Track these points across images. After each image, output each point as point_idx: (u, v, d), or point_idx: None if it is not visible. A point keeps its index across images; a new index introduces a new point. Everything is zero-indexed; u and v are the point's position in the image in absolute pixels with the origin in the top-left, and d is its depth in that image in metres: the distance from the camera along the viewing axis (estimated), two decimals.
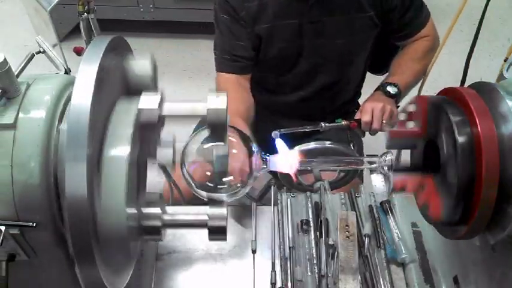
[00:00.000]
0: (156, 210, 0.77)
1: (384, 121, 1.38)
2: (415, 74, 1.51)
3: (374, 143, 1.58)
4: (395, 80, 1.49)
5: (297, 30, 1.39)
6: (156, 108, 0.74)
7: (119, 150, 0.69)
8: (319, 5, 1.36)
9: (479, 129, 0.77)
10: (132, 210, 0.72)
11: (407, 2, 1.43)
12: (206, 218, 0.78)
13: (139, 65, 0.82)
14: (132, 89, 0.80)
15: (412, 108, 0.96)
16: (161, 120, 0.77)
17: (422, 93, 1.56)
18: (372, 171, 1.38)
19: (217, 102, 0.75)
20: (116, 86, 0.78)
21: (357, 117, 1.44)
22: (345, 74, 1.55)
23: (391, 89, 1.46)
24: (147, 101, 0.74)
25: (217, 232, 0.78)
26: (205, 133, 0.90)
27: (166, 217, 0.78)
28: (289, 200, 1.23)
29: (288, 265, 1.10)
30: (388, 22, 1.46)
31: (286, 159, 0.95)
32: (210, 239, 0.79)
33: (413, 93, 1.67)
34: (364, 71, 1.69)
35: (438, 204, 0.87)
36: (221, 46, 1.47)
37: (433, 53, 1.51)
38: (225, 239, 0.79)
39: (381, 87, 1.47)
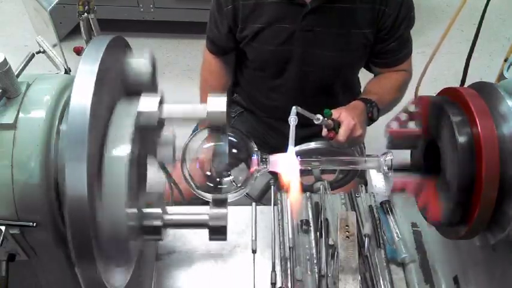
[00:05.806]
0: (157, 210, 0.77)
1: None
2: (392, 103, 1.48)
3: (374, 143, 1.58)
4: (379, 105, 1.40)
5: (288, 36, 1.38)
6: (156, 111, 0.73)
7: (120, 151, 0.69)
8: (314, 15, 1.35)
9: (479, 129, 0.77)
10: (133, 210, 0.72)
11: (399, 22, 1.39)
12: (207, 217, 0.78)
13: (138, 63, 0.81)
14: (131, 88, 0.80)
15: (412, 108, 0.96)
16: (161, 122, 0.77)
17: (422, 93, 1.55)
18: (372, 171, 1.38)
19: (217, 104, 0.75)
20: (115, 84, 0.78)
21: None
22: (336, 84, 1.54)
23: (375, 114, 1.38)
24: (147, 103, 0.74)
25: (218, 232, 0.78)
26: (205, 133, 0.90)
27: (167, 217, 0.77)
28: (289, 200, 1.23)
29: (288, 265, 1.10)
30: (376, 42, 1.43)
31: (286, 159, 0.95)
32: (211, 238, 0.79)
33: (411, 93, 1.67)
34: (358, 82, 1.68)
35: (437, 207, 0.87)
36: (208, 26, 1.52)
37: (407, 87, 1.52)
38: (225, 239, 0.79)
39: (368, 104, 1.37)
